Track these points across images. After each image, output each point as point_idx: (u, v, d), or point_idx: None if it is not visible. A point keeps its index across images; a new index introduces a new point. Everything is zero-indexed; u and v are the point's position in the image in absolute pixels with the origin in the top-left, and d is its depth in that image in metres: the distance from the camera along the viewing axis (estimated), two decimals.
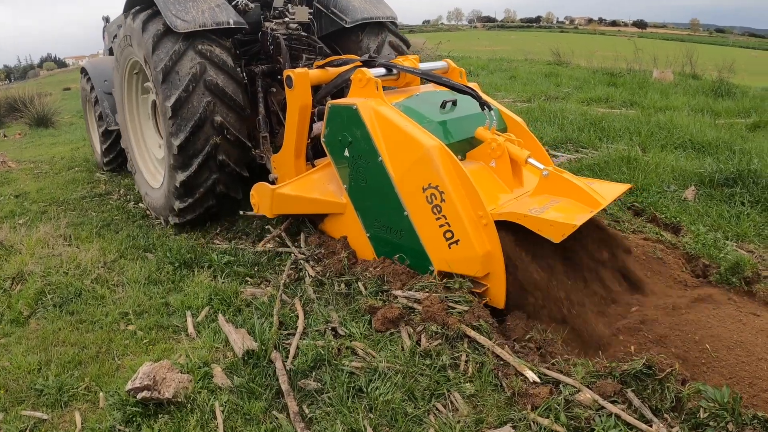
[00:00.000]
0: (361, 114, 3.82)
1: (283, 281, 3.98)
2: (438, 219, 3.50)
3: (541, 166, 3.73)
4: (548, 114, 9.21)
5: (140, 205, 6.14)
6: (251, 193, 4.43)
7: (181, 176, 4.66)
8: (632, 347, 3.22)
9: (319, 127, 4.52)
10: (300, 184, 4.31)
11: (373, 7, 5.68)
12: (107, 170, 7.70)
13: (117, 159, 7.46)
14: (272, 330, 3.31)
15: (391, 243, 3.84)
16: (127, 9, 5.19)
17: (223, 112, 4.63)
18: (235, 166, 4.84)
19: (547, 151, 7.32)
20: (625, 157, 6.53)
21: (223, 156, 4.72)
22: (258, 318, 3.52)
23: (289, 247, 4.54)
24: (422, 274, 3.66)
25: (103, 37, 8.59)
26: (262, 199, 4.34)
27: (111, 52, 7.61)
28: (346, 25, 5.56)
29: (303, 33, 5.52)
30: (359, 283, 3.79)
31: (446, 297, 3.37)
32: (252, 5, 5.41)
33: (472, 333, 3.13)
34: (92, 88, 7.30)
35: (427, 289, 3.49)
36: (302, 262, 4.24)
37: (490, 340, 3.11)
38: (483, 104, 4.15)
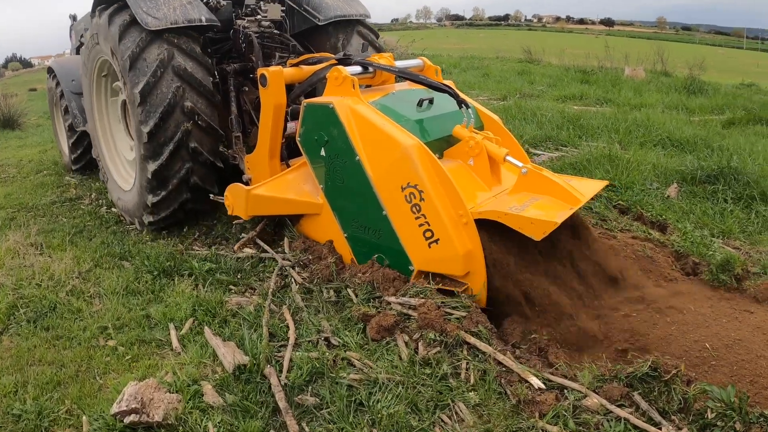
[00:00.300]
0: (338, 113, 3.77)
1: (271, 290, 3.79)
2: (417, 218, 3.47)
3: (520, 164, 3.73)
4: (525, 112, 9.24)
5: (113, 210, 5.90)
6: (225, 194, 4.34)
7: (152, 166, 4.55)
8: (630, 345, 3.25)
9: (293, 126, 4.47)
10: (275, 185, 4.25)
11: (346, 5, 5.65)
12: (75, 170, 7.51)
13: (84, 156, 7.28)
14: (263, 342, 3.14)
15: (369, 243, 3.80)
16: (94, 8, 5.08)
17: (192, 97, 4.55)
18: (208, 155, 4.73)
19: (527, 149, 7.34)
20: (606, 155, 6.54)
21: (195, 144, 4.62)
22: (246, 329, 3.34)
23: (271, 252, 4.42)
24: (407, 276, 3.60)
25: (70, 36, 8.42)
26: (236, 200, 4.26)
27: (78, 51, 7.44)
28: (319, 23, 5.51)
29: (275, 31, 5.46)
30: (349, 290, 3.68)
31: (443, 302, 3.31)
32: (224, 2, 5.32)
33: (472, 339, 3.07)
34: (60, 88, 7.16)
35: (422, 295, 3.40)
36: (288, 268, 4.09)
37: (491, 346, 3.05)
38: (461, 102, 4.14)
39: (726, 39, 69.78)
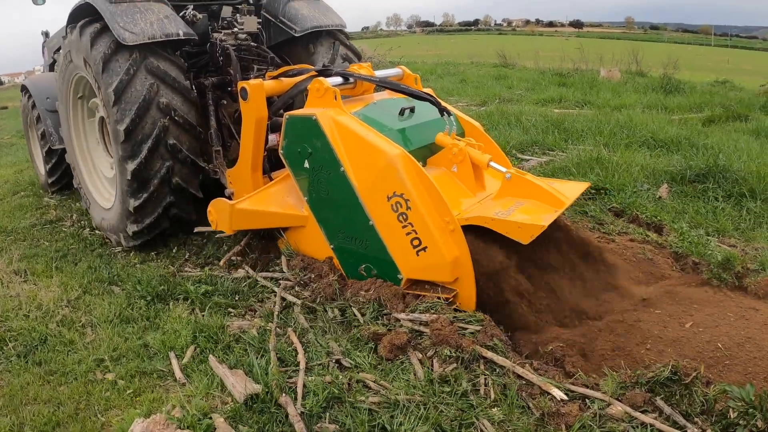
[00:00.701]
0: (321, 124, 3.78)
1: (276, 311, 3.66)
2: (404, 227, 3.50)
3: (503, 169, 3.79)
4: (508, 117, 9.30)
5: (97, 232, 5.71)
6: (209, 209, 4.29)
7: (131, 165, 4.49)
8: (645, 350, 3.25)
9: (274, 138, 4.48)
10: (259, 198, 4.24)
11: (323, 16, 5.66)
12: (53, 191, 7.40)
13: (62, 179, 7.21)
14: (272, 368, 3.00)
15: (356, 254, 3.82)
16: (70, 22, 5.03)
17: (167, 94, 4.55)
18: (188, 152, 4.70)
19: (515, 155, 7.31)
20: (595, 158, 6.58)
21: (174, 140, 4.59)
22: (253, 355, 3.20)
23: (259, 271, 4.36)
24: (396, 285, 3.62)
25: (43, 53, 8.29)
26: (220, 215, 4.21)
27: (52, 68, 7.41)
28: (296, 35, 5.51)
29: (252, 43, 5.45)
30: (354, 309, 3.59)
31: (455, 317, 3.27)
32: (200, 16, 5.31)
33: (489, 354, 3.03)
34: (34, 106, 7.05)
35: (432, 311, 3.35)
36: (288, 287, 4.01)
37: (508, 359, 3.01)
38: (442, 110, 4.18)
39: (694, 36, 71.15)
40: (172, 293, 4.12)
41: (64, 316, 3.91)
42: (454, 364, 2.97)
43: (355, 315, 3.52)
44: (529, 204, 3.59)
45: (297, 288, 3.96)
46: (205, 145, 4.95)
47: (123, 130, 4.41)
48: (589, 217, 5.35)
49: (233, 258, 4.55)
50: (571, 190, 3.88)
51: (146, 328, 3.77)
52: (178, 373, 3.18)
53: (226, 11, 5.53)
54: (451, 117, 4.23)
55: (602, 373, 2.98)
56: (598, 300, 3.76)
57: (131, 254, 5.00)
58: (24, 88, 7.42)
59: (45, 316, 3.93)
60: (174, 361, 3.29)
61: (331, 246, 3.95)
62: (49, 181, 7.26)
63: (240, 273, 4.32)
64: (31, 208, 7.02)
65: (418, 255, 3.49)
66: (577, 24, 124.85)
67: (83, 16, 4.85)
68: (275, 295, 3.93)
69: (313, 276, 3.98)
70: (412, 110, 4.28)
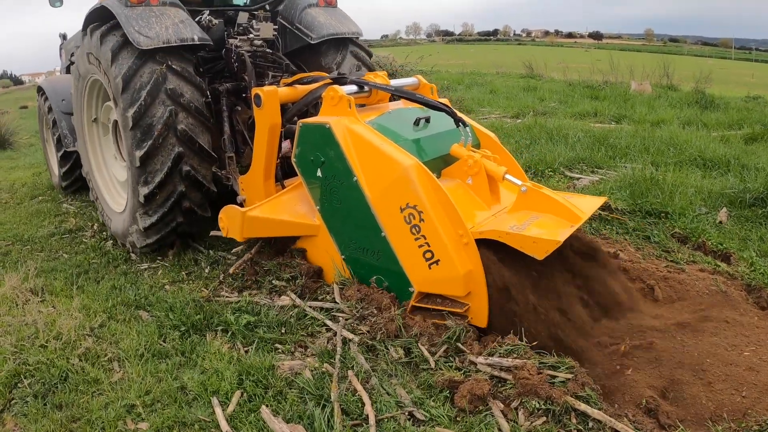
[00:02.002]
0: (335, 133, 3.76)
1: (338, 354, 3.23)
2: (417, 239, 3.47)
3: (519, 182, 3.76)
4: (549, 132, 9.10)
5: (125, 246, 5.33)
6: (220, 216, 4.28)
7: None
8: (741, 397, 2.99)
9: (287, 146, 4.49)
10: (271, 206, 4.22)
11: (339, 23, 5.67)
12: (66, 192, 7.48)
13: (76, 181, 7.27)
14: (336, 422, 2.59)
15: (367, 265, 3.80)
16: (86, 26, 5.06)
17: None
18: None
19: (563, 173, 6.83)
20: (649, 178, 6.32)
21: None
22: (312, 405, 2.80)
23: (307, 300, 3.97)
24: (406, 300, 3.61)
25: (60, 55, 8.42)
26: (231, 222, 4.18)
27: (68, 70, 7.48)
28: (312, 42, 5.52)
29: (268, 50, 5.46)
30: (422, 348, 3.26)
31: (541, 363, 3.03)
32: (216, 21, 5.34)
33: (582, 406, 2.75)
34: (50, 108, 7.10)
35: (515, 354, 3.10)
36: (342, 320, 3.63)
37: (601, 410, 2.75)
38: (458, 121, 4.16)
39: (713, 50, 70.39)
40: (209, 323, 3.73)
41: (88, 349, 3.47)
42: (544, 418, 2.70)
43: (423, 356, 3.20)
44: (545, 218, 3.54)
45: (353, 322, 3.58)
46: (218, 152, 4.95)
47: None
48: (653, 243, 5.13)
49: (276, 283, 4.14)
50: (588, 204, 3.83)
51: (181, 365, 3.35)
52: (225, 426, 2.76)
53: (242, 17, 5.56)
54: (467, 128, 4.21)
55: (698, 424, 2.78)
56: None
57: (159, 273, 4.68)
58: (40, 89, 7.47)
59: (66, 347, 3.50)
60: (218, 411, 2.87)
61: (343, 256, 3.94)
62: (63, 184, 7.33)
63: (284, 301, 3.95)
64: (49, 215, 6.77)
65: (430, 268, 3.46)
66: (596, 35, 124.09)
67: (99, 19, 4.88)
68: (327, 329, 3.59)
69: (371, 309, 3.63)
70: (427, 120, 4.26)
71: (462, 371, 3.03)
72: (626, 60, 18.49)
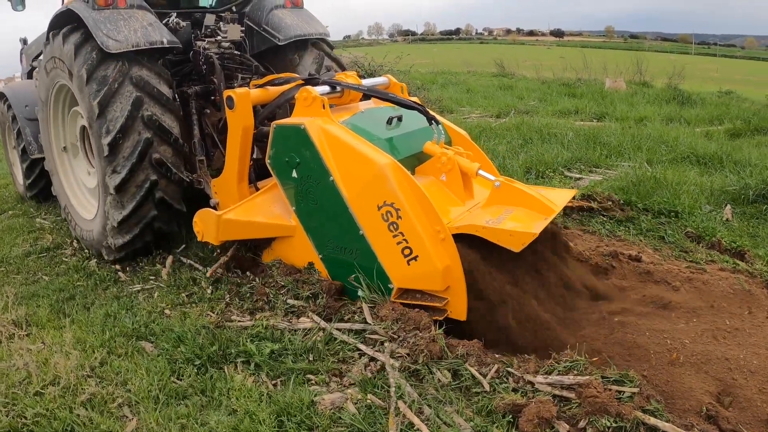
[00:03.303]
0: (310, 133, 3.84)
1: (393, 386, 2.90)
2: (395, 236, 3.57)
3: (492, 177, 3.89)
4: (537, 131, 9.15)
5: (111, 265, 5.06)
6: (194, 220, 4.31)
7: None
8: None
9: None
10: (246, 209, 4.27)
11: (306, 24, 5.77)
12: (30, 197, 7.32)
13: (42, 188, 7.13)
14: None
15: (346, 264, 3.88)
16: (52, 28, 5.08)
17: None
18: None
19: (562, 173, 6.67)
20: (651, 177, 6.37)
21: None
22: None
23: (334, 321, 3.69)
24: (387, 297, 3.69)
25: (21, 60, 8.30)
26: (206, 226, 4.23)
27: (30, 75, 7.48)
28: (279, 43, 5.61)
29: (236, 52, 5.53)
30: (472, 369, 3.06)
31: (603, 377, 2.92)
32: (183, 24, 5.40)
33: (652, 420, 2.64)
34: (12, 114, 7.00)
35: (575, 371, 2.98)
36: (374, 341, 3.39)
37: (669, 422, 2.66)
38: (431, 119, 4.28)
39: (673, 45, 71.74)
40: (226, 354, 3.38)
41: (92, 395, 3.07)
42: None
43: (474, 378, 3.01)
44: (519, 212, 3.68)
45: (389, 344, 3.33)
46: (189, 155, 5.02)
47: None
48: (668, 243, 5.18)
49: (292, 303, 3.86)
50: (560, 197, 3.99)
51: (204, 406, 3.02)
52: None
53: (210, 19, 5.60)
54: (440, 126, 4.34)
55: (758, 428, 2.74)
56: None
57: (155, 295, 4.36)
58: (2, 96, 7.35)
59: (66, 393, 3.09)
60: None
61: (320, 256, 4.02)
62: (29, 194, 7.27)
63: (306, 323, 3.66)
64: (22, 231, 6.34)
65: (409, 264, 3.57)
66: (557, 33, 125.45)
67: (65, 22, 4.89)
68: (360, 354, 3.31)
69: (406, 328, 3.42)
70: (399, 119, 4.38)
71: (520, 392, 2.87)
72: (591, 57, 18.58)
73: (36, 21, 5.78)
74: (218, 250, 4.62)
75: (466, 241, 3.54)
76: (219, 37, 5.47)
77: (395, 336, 3.37)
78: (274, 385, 3.09)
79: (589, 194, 5.87)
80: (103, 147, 4.52)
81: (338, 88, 4.47)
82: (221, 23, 5.59)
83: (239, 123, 4.37)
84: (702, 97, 13.69)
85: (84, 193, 5.69)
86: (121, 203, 4.68)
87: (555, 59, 21.73)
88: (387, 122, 4.29)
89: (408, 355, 3.21)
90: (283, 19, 5.67)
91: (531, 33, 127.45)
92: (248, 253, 4.50)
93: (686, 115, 11.22)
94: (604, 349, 3.38)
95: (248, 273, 4.40)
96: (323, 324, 3.58)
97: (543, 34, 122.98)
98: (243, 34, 5.66)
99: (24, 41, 8.17)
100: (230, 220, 4.13)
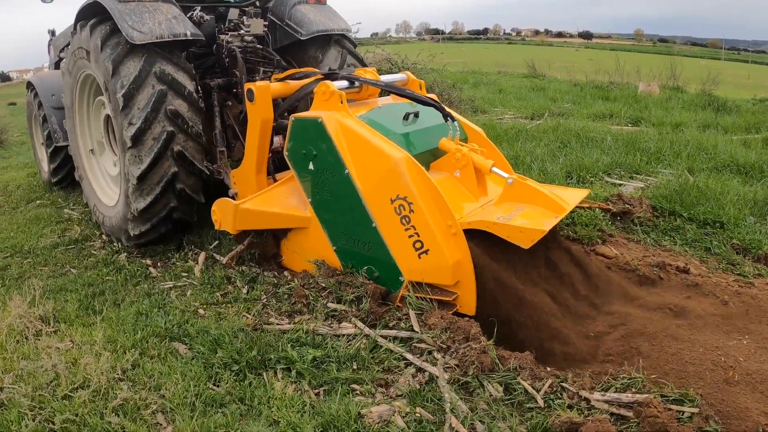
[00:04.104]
0: (327, 127, 3.93)
1: (448, 407, 2.72)
2: (407, 230, 3.63)
3: (506, 175, 3.94)
4: (574, 134, 8.91)
5: (141, 259, 4.99)
6: (213, 209, 4.41)
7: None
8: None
9: (278, 140, 4.68)
10: (263, 199, 4.36)
11: (328, 20, 5.85)
12: (55, 186, 7.52)
13: (66, 176, 7.29)
14: None
15: (359, 255, 3.96)
16: (76, 23, 5.21)
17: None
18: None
19: (602, 178, 6.98)
20: (693, 186, 6.20)
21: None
22: None
23: (379, 328, 3.53)
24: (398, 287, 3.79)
25: (49, 51, 8.51)
26: (224, 215, 4.32)
27: (57, 66, 7.66)
28: (302, 38, 5.69)
29: (258, 45, 5.64)
30: (525, 383, 2.94)
31: (662, 396, 2.85)
32: (207, 17, 5.52)
33: None
34: (38, 103, 7.17)
35: (633, 389, 2.89)
36: (419, 350, 3.24)
37: None
38: (446, 116, 4.34)
39: (703, 50, 70.52)
40: (266, 360, 3.23)
41: (125, 400, 2.90)
42: None
43: (527, 393, 2.89)
44: (531, 209, 3.74)
45: (437, 354, 3.19)
46: (210, 146, 5.15)
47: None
48: (714, 255, 5.04)
49: (333, 306, 3.71)
50: (572, 196, 4.04)
51: (243, 415, 2.88)
52: None
53: (233, 13, 5.73)
54: (455, 123, 4.39)
55: None
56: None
57: (188, 293, 4.22)
58: (29, 85, 7.58)
59: (96, 397, 2.95)
60: None
61: (334, 248, 4.10)
62: (53, 179, 7.42)
63: (348, 329, 3.53)
64: (50, 222, 6.32)
65: (420, 258, 3.63)
66: (586, 35, 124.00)
67: (92, 14, 5.02)
68: (407, 363, 3.16)
69: (456, 337, 3.29)
70: (416, 115, 4.45)
71: (576, 410, 2.76)
72: (621, 60, 18.15)
73: (64, 13, 5.84)
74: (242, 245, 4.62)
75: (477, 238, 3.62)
76: (242, 31, 5.59)
77: (444, 346, 3.23)
78: (317, 395, 2.93)
79: (628, 201, 5.74)
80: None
81: (356, 84, 4.58)
82: (245, 17, 5.74)
83: (259, 115, 4.47)
84: (737, 104, 13.45)
85: (107, 179, 5.83)
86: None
87: (584, 61, 21.42)
88: (403, 118, 4.37)
89: (457, 366, 3.08)
90: (306, 15, 5.77)
91: (559, 34, 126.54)
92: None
93: (722, 123, 10.99)
94: (659, 365, 3.27)
95: (272, 266, 4.45)
96: (367, 330, 3.43)
97: (571, 36, 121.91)
98: (266, 29, 5.81)
99: (52, 33, 8.39)
100: (247, 210, 4.23)
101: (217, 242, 5.04)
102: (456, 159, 4.17)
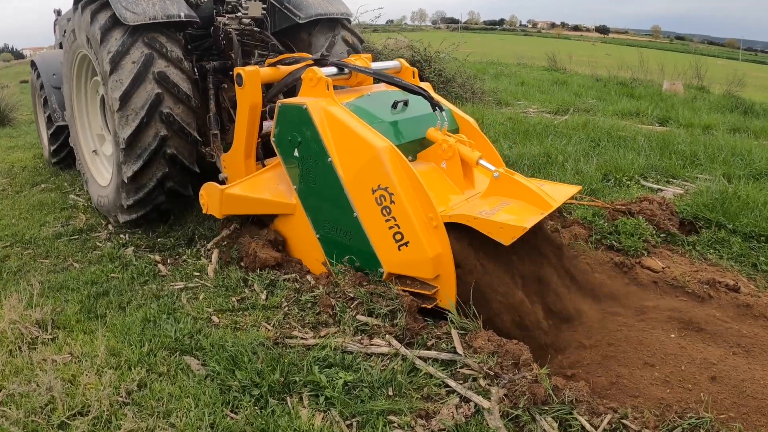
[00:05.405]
0: (311, 114, 3.89)
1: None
2: (387, 221, 3.58)
3: (493, 168, 3.86)
4: (605, 132, 8.57)
5: (149, 255, 4.67)
6: (200, 193, 4.41)
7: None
8: None
9: (269, 125, 4.60)
10: (250, 184, 4.33)
11: (328, 4, 5.78)
12: (55, 164, 7.45)
13: (66, 156, 7.23)
14: None
15: (340, 244, 3.93)
16: (76, 2, 5.19)
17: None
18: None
19: (638, 182, 6.63)
20: (734, 194, 5.81)
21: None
22: None
23: (416, 347, 3.19)
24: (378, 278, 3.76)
25: (54, 31, 8.47)
26: (211, 199, 4.31)
27: (62, 46, 7.45)
28: (300, 21, 5.61)
29: (256, 28, 5.59)
30: (582, 419, 2.64)
31: None
32: None
33: None
34: (41, 82, 7.18)
35: (702, 429, 2.65)
36: (462, 376, 2.90)
37: None
38: (434, 105, 4.27)
39: (719, 50, 69.28)
40: (290, 383, 2.86)
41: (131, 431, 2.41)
42: None
43: (584, 429, 2.60)
44: (515, 204, 3.64)
45: (482, 382, 2.86)
46: (204, 128, 5.12)
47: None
48: (763, 272, 4.68)
49: (364, 320, 3.35)
50: (560, 192, 3.93)
51: None
52: None
53: None
54: (443, 112, 4.28)
55: None
56: None
57: (200, 297, 3.84)
58: (33, 64, 7.60)
59: (96, 426, 2.55)
60: None
61: (317, 235, 4.07)
62: (52, 155, 7.38)
63: (380, 347, 3.17)
64: (54, 208, 5.97)
65: (399, 249, 3.58)
66: (602, 29, 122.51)
67: None
68: (449, 391, 2.80)
69: (506, 364, 2.96)
70: (405, 103, 4.38)
71: None
72: (638, 56, 17.72)
73: None
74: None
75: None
76: (240, 14, 5.55)
77: (491, 372, 2.89)
78: (349, 427, 2.60)
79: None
80: (114, 101, 4.61)
81: (345, 70, 4.52)
82: (243, 0, 5.69)
83: (247, 100, 4.43)
84: (765, 107, 13.12)
85: (103, 161, 5.83)
86: (133, 157, 4.74)
87: (601, 56, 20.82)
88: (392, 106, 4.31)
89: (506, 396, 2.76)
90: None
91: (576, 28, 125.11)
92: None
93: (752, 126, 10.69)
94: (719, 400, 2.98)
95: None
96: (404, 351, 3.07)
97: (588, 30, 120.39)
98: (264, 11, 5.75)
99: (58, 12, 8.35)
100: (233, 195, 4.22)
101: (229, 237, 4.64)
102: (442, 150, 4.10)
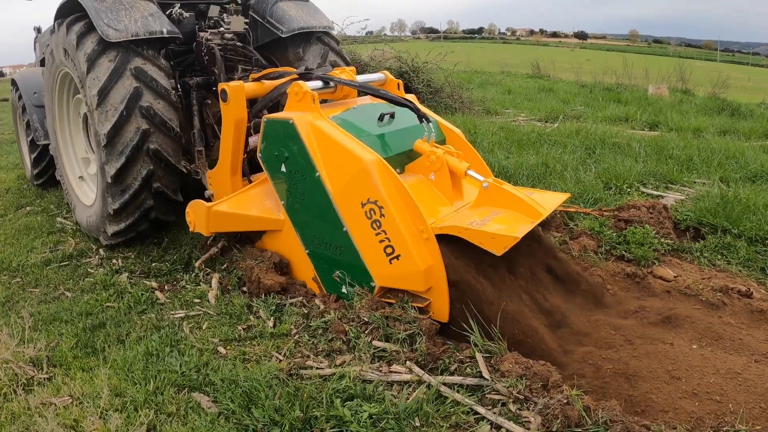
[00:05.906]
0: (298, 128, 3.86)
1: None
2: (378, 234, 3.56)
3: (481, 178, 3.86)
4: (599, 139, 8.52)
5: (145, 281, 4.47)
6: (187, 210, 4.39)
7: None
8: None
9: (255, 140, 4.62)
10: (236, 201, 4.31)
11: (310, 17, 5.78)
12: (37, 184, 7.37)
13: (47, 173, 7.18)
14: None
15: (330, 259, 3.90)
16: (58, 16, 5.18)
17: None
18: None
19: (638, 188, 6.55)
20: (734, 198, 5.77)
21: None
22: None
23: (438, 373, 3.06)
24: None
25: (35, 48, 8.37)
26: (197, 217, 4.29)
27: (42, 63, 7.45)
28: (282, 35, 5.61)
29: (239, 43, 5.58)
30: None
31: None
32: (186, 14, 5.47)
33: None
34: (23, 103, 7.09)
35: None
36: (491, 399, 2.78)
37: None
38: (421, 116, 4.25)
39: (697, 51, 70.33)
40: (311, 419, 2.66)
41: None
42: None
43: None
44: (506, 214, 3.63)
45: (512, 406, 2.75)
46: (188, 145, 5.11)
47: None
48: None
49: (381, 345, 3.20)
50: (549, 201, 3.92)
51: None
52: None
53: (214, 10, 5.70)
54: (430, 124, 4.28)
55: None
56: None
57: (204, 326, 3.62)
58: (13, 82, 7.56)
59: None
60: None
61: (307, 251, 4.04)
62: (35, 176, 7.32)
63: (401, 374, 3.02)
64: (41, 232, 5.77)
65: (391, 263, 3.55)
66: (581, 35, 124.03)
67: (71, 12, 4.98)
68: (478, 419, 2.68)
69: (536, 387, 2.85)
70: (392, 116, 4.38)
71: None
72: (617, 61, 17.81)
73: (51, 10, 5.65)
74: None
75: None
76: (222, 29, 5.53)
77: (521, 396, 2.77)
78: None
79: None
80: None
81: (331, 84, 4.50)
82: (225, 15, 5.69)
83: (232, 116, 4.42)
84: (750, 108, 13.14)
85: (86, 179, 5.81)
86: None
87: (582, 62, 20.92)
88: (378, 119, 4.29)
89: (541, 424, 2.62)
90: (287, 12, 5.68)
91: (554, 34, 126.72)
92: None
93: (740, 128, 10.67)
94: (754, 416, 2.86)
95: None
96: (427, 377, 2.94)
97: (566, 36, 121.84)
98: (247, 26, 5.74)
99: (38, 30, 8.27)
100: (220, 212, 4.19)
101: (227, 263, 4.46)
102: (430, 161, 4.09)
